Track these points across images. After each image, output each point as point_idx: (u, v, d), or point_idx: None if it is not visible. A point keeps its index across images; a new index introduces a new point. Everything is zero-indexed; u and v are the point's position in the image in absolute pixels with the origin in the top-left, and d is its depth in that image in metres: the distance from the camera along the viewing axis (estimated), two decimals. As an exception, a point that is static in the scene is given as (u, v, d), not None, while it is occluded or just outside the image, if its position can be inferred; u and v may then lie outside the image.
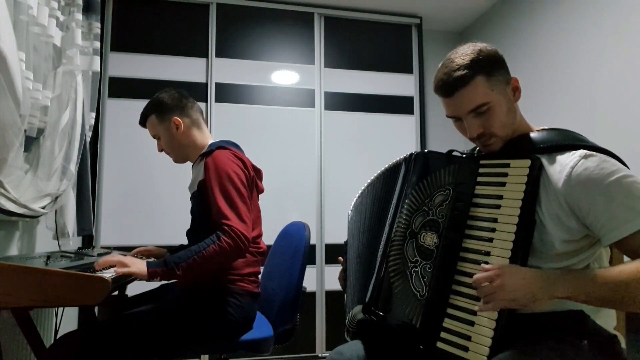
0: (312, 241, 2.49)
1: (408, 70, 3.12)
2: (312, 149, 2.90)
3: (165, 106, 1.52)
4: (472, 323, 0.86)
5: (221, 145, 1.47)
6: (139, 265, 1.24)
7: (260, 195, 1.59)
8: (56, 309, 1.73)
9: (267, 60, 2.89)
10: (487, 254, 0.89)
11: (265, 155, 2.79)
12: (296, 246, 1.58)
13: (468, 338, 0.86)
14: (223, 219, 1.30)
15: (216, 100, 2.76)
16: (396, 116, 3.06)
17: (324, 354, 2.75)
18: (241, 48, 2.86)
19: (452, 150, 1.09)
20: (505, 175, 0.93)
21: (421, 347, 0.91)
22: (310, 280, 2.77)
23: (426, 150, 1.12)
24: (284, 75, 2.92)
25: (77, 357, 1.20)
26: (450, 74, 0.96)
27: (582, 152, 0.90)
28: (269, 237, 1.72)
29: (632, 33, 2.01)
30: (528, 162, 0.91)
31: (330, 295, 2.81)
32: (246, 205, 1.37)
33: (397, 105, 3.07)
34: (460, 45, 1.02)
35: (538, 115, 2.52)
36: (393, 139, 3.03)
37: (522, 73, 2.53)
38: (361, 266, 1.11)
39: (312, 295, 2.78)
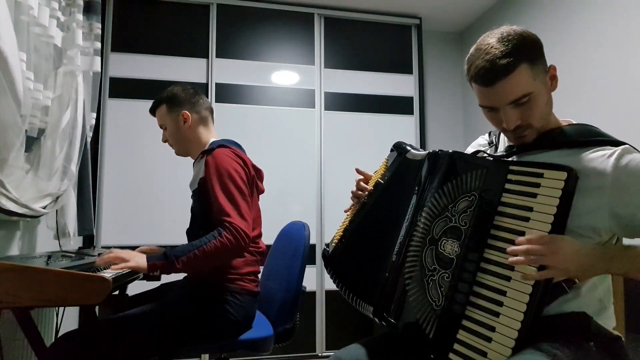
0: (312, 241, 2.50)
1: (408, 70, 3.11)
2: (312, 149, 2.91)
3: (178, 99, 1.56)
4: (489, 339, 0.81)
5: (222, 144, 1.48)
6: (138, 260, 1.24)
7: (260, 195, 1.60)
8: (57, 308, 1.74)
9: (267, 61, 2.90)
10: (511, 268, 0.83)
11: (265, 155, 2.79)
12: (296, 246, 1.58)
13: (484, 354, 0.81)
14: (224, 216, 1.31)
15: (216, 101, 2.76)
16: (396, 116, 3.06)
17: (324, 354, 2.75)
18: (241, 48, 2.87)
19: (478, 151, 1.04)
20: (538, 186, 0.85)
21: (432, 356, 0.88)
22: (310, 280, 2.78)
23: (451, 151, 1.02)
24: (284, 76, 2.93)
25: (78, 356, 1.20)
26: (494, 62, 0.88)
27: (625, 147, 0.89)
28: (269, 237, 1.72)
29: (632, 33, 2.01)
30: (564, 175, 0.83)
31: (330, 295, 2.81)
32: (247, 203, 1.38)
33: (396, 105, 3.07)
34: (495, 28, 0.94)
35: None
36: (393, 139, 2.94)
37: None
38: (369, 253, 1.08)
39: (312, 295, 2.79)
